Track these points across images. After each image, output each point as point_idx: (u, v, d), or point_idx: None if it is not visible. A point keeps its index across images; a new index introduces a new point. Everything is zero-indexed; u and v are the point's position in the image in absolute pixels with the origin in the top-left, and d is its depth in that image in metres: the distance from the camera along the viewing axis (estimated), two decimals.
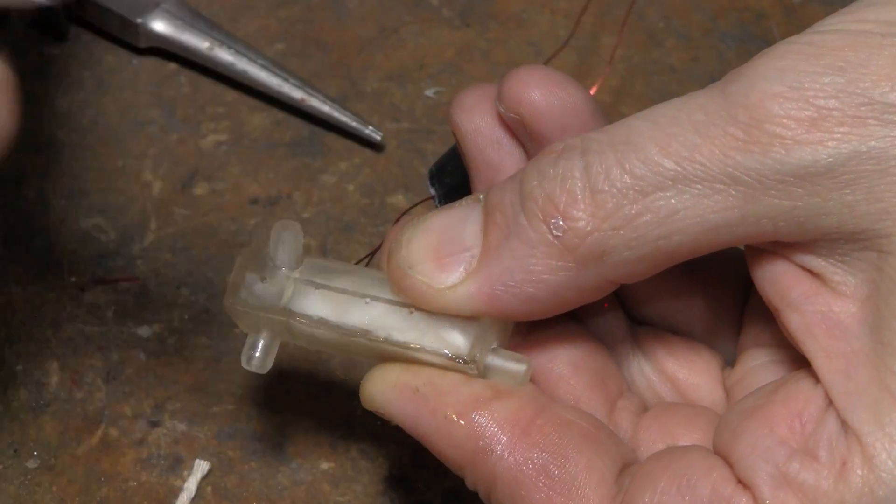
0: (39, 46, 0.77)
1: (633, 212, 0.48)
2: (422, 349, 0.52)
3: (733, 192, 0.48)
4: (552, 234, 0.49)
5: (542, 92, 0.54)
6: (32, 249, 0.70)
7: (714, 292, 0.56)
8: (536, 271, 0.50)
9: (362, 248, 0.70)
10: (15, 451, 0.63)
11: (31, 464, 0.63)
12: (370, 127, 0.74)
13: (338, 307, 0.53)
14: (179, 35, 0.75)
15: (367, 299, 0.53)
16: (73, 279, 0.69)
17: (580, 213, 0.49)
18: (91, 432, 0.64)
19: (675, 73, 0.77)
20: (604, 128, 0.50)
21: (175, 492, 0.62)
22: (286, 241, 0.54)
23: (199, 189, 0.72)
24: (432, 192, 0.62)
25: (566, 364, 0.54)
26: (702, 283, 0.56)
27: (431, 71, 0.77)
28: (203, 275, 0.69)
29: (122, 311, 0.68)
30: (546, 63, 0.77)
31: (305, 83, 0.74)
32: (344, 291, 0.54)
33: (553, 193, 0.49)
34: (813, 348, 0.49)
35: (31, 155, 0.73)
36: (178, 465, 0.63)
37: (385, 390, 0.52)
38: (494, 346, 0.52)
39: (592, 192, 0.49)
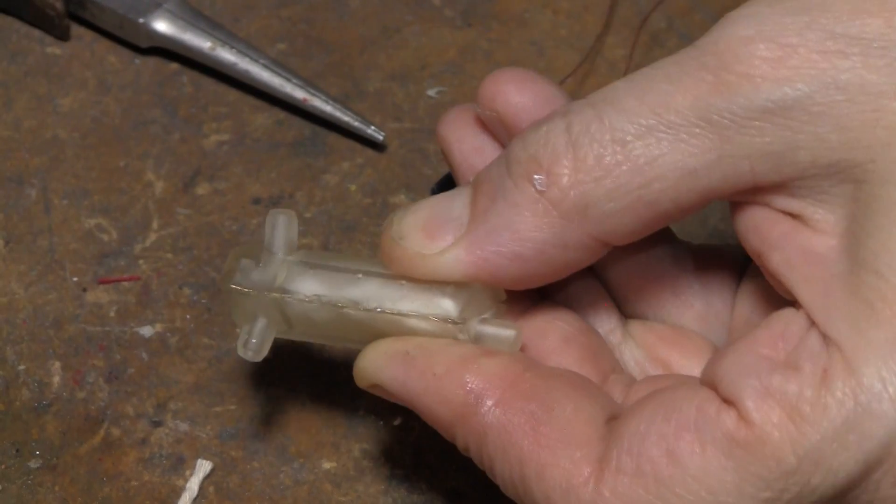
0: (41, 46, 0.77)
1: (613, 161, 0.49)
2: (413, 314, 0.53)
3: (708, 135, 0.49)
4: (536, 189, 0.50)
5: (515, 87, 0.55)
6: (34, 249, 0.70)
7: (706, 283, 0.57)
8: (522, 229, 0.51)
9: (364, 247, 0.70)
10: (17, 450, 0.63)
11: (33, 463, 0.63)
12: (372, 127, 0.74)
13: (331, 284, 0.54)
14: (181, 35, 0.75)
15: (360, 275, 0.54)
16: (75, 279, 0.69)
17: (563, 169, 0.50)
18: (93, 432, 0.64)
19: None
20: (583, 98, 0.52)
21: (177, 491, 0.62)
22: (280, 227, 0.55)
23: (202, 189, 0.72)
24: None
25: (557, 339, 0.55)
26: (694, 275, 0.57)
27: (433, 71, 0.77)
28: (205, 274, 0.69)
29: (124, 310, 0.68)
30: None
31: (307, 83, 0.74)
32: (337, 269, 0.54)
33: (537, 153, 0.51)
34: (793, 278, 0.49)
35: (33, 154, 0.73)
36: (180, 465, 0.63)
37: (376, 359, 0.53)
38: (485, 315, 0.53)
39: (574, 146, 0.50)
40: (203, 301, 0.68)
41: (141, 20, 0.75)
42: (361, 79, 0.77)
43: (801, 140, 0.48)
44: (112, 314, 0.68)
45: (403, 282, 0.53)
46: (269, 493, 0.63)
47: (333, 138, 0.74)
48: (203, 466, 0.63)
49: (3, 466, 0.63)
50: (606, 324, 0.57)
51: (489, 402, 0.51)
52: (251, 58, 0.75)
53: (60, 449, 0.64)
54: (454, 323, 0.52)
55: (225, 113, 0.75)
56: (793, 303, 0.50)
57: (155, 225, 0.71)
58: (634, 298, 0.57)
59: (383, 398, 0.54)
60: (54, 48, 0.77)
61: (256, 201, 0.72)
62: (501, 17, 0.79)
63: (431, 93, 0.76)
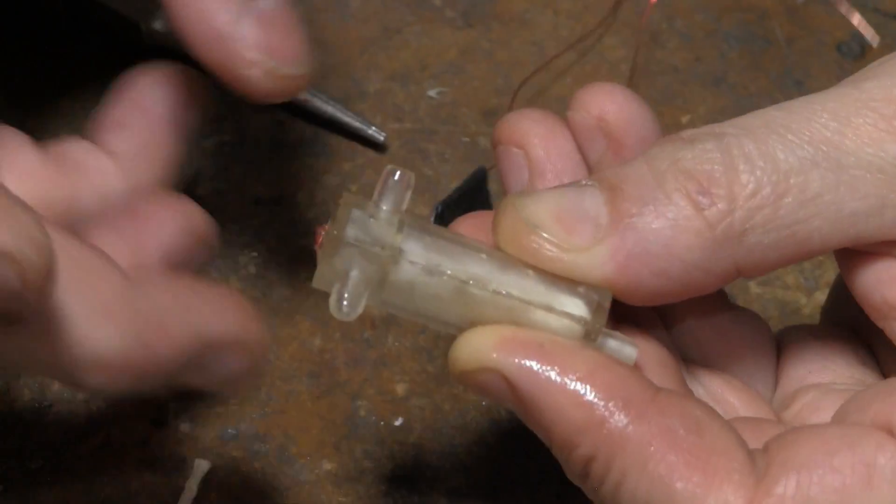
0: (41, 46, 0.77)
1: (776, 192, 0.48)
2: (546, 308, 0.50)
3: (874, 180, 0.48)
4: (695, 207, 0.48)
5: (625, 99, 0.54)
6: None
7: (754, 347, 0.56)
8: (675, 245, 0.48)
9: None
10: (18, 451, 0.63)
11: (34, 464, 0.63)
12: (373, 127, 0.74)
13: (449, 255, 0.50)
14: None
15: (483, 254, 0.50)
16: None
17: (722, 192, 0.48)
18: (94, 433, 0.64)
19: (678, 73, 0.77)
20: (728, 121, 0.50)
21: (179, 492, 0.62)
22: (398, 185, 0.51)
23: (202, 189, 0.72)
24: None
25: (655, 361, 0.52)
26: (746, 338, 0.56)
27: (434, 71, 0.77)
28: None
29: None
30: (548, 63, 0.77)
31: (308, 84, 0.74)
32: (455, 241, 0.51)
33: (693, 170, 0.49)
34: None
35: None
36: (181, 466, 0.63)
37: (502, 344, 0.49)
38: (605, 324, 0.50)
39: (735, 171, 0.48)
40: None
41: (141, 21, 0.75)
42: (362, 79, 0.77)
43: None
44: None
45: (530, 271, 0.50)
46: (270, 493, 0.63)
47: (334, 139, 0.74)
48: (201, 467, 0.63)
49: (3, 467, 0.63)
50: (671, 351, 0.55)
51: (634, 412, 0.48)
52: None
53: (61, 450, 0.63)
54: (584, 325, 0.49)
55: (225, 113, 0.75)
56: None
57: None
58: (693, 352, 0.56)
59: (475, 391, 0.50)
60: (54, 48, 0.77)
61: (257, 202, 0.72)
62: (502, 17, 0.79)
63: (432, 93, 0.76)
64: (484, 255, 0.50)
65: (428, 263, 0.50)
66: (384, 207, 0.50)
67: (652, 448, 0.47)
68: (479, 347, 0.49)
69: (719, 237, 0.48)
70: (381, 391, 0.66)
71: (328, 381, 0.66)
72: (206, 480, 0.63)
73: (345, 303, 0.49)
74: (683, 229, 0.48)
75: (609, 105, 0.53)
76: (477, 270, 0.50)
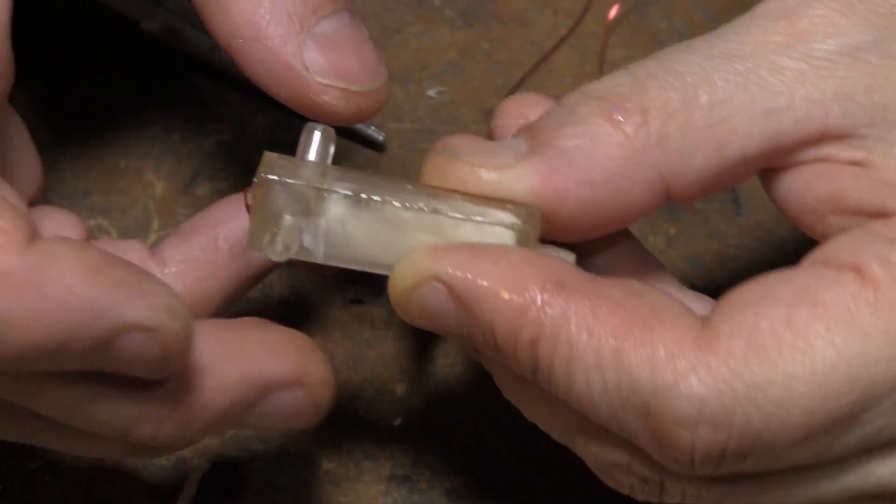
0: (41, 47, 0.77)
1: (684, 100, 0.50)
2: (480, 221, 0.50)
3: (781, 77, 0.49)
4: (612, 119, 0.50)
5: (545, 102, 0.55)
6: None
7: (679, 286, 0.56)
8: (596, 155, 0.50)
9: None
10: (17, 451, 0.63)
11: (33, 464, 0.63)
12: (372, 127, 0.74)
13: (378, 187, 0.51)
14: (181, 35, 0.75)
15: (409, 185, 0.51)
16: None
17: (635, 106, 0.50)
18: None
19: None
20: None
21: (178, 492, 0.62)
22: (320, 139, 0.52)
23: (202, 189, 0.72)
24: None
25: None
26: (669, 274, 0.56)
27: (434, 71, 0.77)
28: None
29: None
30: (545, 58, 0.77)
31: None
32: (382, 178, 0.52)
33: (604, 93, 0.50)
34: (885, 194, 0.49)
35: None
36: (180, 466, 0.63)
37: (434, 252, 0.50)
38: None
39: (643, 87, 0.50)
40: None
41: (141, 19, 0.75)
42: None
43: (875, 83, 0.49)
44: None
45: (457, 195, 0.51)
46: (270, 493, 0.63)
47: None
48: (201, 467, 0.63)
49: (3, 467, 0.63)
50: None
51: (571, 288, 0.48)
52: None
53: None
54: (516, 231, 0.50)
55: (225, 113, 0.75)
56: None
57: (155, 225, 0.71)
58: None
59: (411, 320, 0.51)
60: (54, 48, 0.77)
61: None
62: (502, 17, 0.79)
63: (432, 93, 0.76)
64: (410, 187, 0.51)
65: (356, 195, 0.51)
66: (309, 158, 0.52)
67: (595, 315, 0.48)
68: (413, 262, 0.50)
69: (639, 145, 0.50)
70: (380, 391, 0.66)
71: None
72: (206, 480, 0.63)
73: (278, 241, 0.50)
74: (603, 142, 0.50)
75: (530, 108, 0.55)
76: (405, 196, 0.51)
